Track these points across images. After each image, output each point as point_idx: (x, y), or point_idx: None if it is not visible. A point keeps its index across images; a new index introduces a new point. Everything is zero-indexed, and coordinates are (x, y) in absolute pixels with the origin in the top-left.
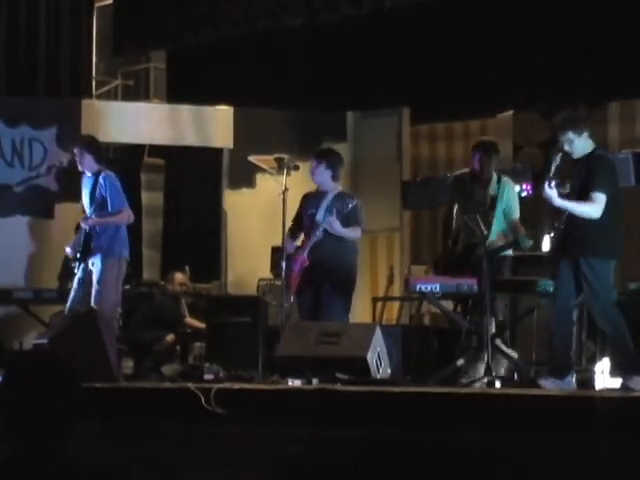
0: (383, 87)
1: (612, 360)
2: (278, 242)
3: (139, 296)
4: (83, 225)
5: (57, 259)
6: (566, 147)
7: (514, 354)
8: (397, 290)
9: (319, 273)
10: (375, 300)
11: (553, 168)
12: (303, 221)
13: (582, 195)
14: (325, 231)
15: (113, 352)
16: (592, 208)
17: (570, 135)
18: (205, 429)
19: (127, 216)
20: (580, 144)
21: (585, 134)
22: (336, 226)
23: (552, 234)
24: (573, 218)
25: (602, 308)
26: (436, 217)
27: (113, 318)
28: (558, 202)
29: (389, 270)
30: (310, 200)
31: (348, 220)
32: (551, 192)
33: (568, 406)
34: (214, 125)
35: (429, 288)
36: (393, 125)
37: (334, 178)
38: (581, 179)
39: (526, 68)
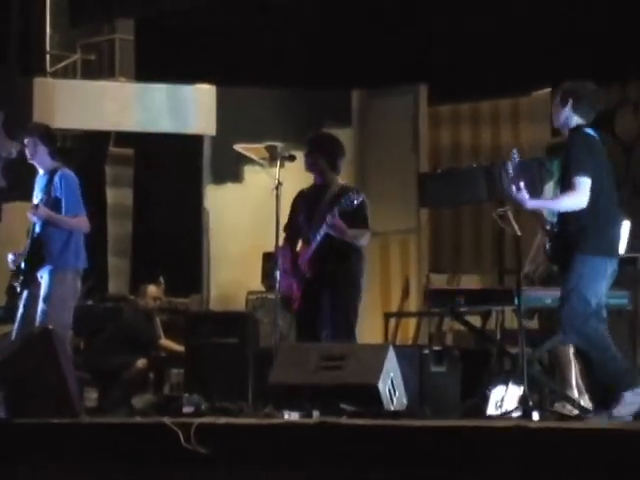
0: (395, 60)
1: (593, 391)
2: (271, 247)
3: (104, 313)
4: (32, 217)
5: (3, 269)
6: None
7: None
8: (413, 304)
9: (319, 285)
10: (387, 316)
11: (511, 166)
12: (299, 227)
13: (565, 184)
14: (326, 235)
15: (73, 381)
16: (574, 197)
17: (559, 99)
18: (184, 472)
19: (84, 223)
20: (564, 114)
21: (580, 107)
22: (340, 228)
23: (548, 243)
24: (563, 216)
25: (570, 317)
26: (460, 217)
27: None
28: (531, 204)
29: (404, 280)
30: (305, 199)
31: (354, 221)
32: (519, 195)
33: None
34: (193, 108)
35: (453, 300)
36: (408, 106)
37: (334, 170)
38: (562, 165)
39: (567, 37)
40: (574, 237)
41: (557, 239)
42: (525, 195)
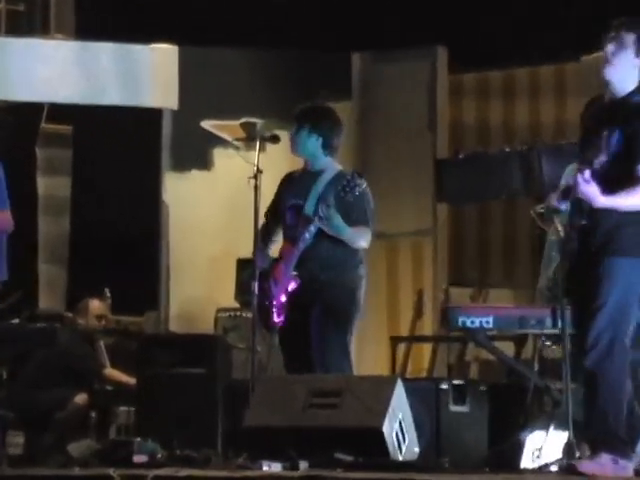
0: (407, 15)
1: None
2: (247, 252)
3: (33, 335)
4: None
5: None
6: (604, 69)
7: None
8: (428, 325)
9: (307, 297)
10: (396, 340)
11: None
12: (283, 216)
13: (618, 166)
14: (318, 231)
15: None
16: None
17: (613, 46)
18: None
19: (7, 221)
20: (624, 70)
21: None
22: (335, 222)
23: (568, 237)
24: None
25: (608, 339)
26: (488, 215)
27: None
28: (603, 202)
29: (417, 295)
30: (293, 184)
31: (352, 215)
32: (589, 188)
33: None
34: (148, 74)
35: (478, 322)
36: (423, 73)
37: (328, 151)
38: (615, 138)
39: None
40: (616, 236)
41: (587, 239)
42: (595, 189)
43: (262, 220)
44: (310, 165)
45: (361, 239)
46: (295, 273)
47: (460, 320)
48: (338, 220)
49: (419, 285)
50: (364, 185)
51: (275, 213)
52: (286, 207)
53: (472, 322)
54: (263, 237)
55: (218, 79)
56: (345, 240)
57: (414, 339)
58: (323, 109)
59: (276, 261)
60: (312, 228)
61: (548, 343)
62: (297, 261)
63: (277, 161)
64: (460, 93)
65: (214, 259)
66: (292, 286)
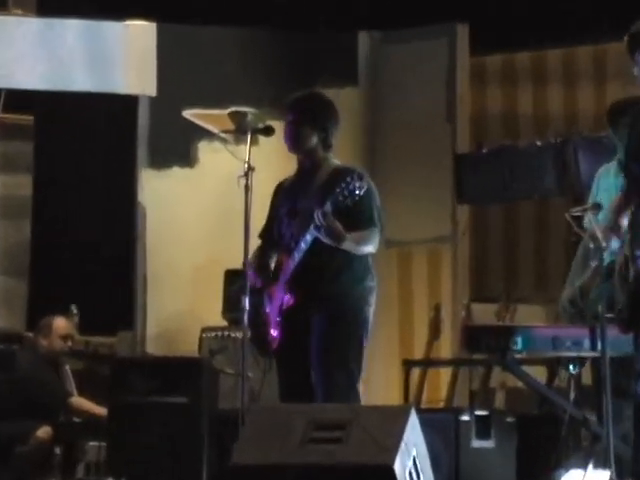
0: None
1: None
2: (236, 262)
3: None
4: None
5: None
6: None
7: None
8: (447, 346)
9: (306, 315)
10: (409, 364)
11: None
12: (280, 231)
13: None
14: (314, 241)
15: None
16: None
17: None
18: None
19: None
20: None
21: None
22: (333, 227)
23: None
24: None
25: None
26: (516, 219)
27: None
28: None
29: (434, 311)
30: (287, 190)
31: (354, 219)
32: None
33: None
34: (123, 55)
35: (504, 343)
36: (440, 55)
37: (325, 145)
38: None
39: None
40: None
41: None
42: None
43: (258, 236)
44: (305, 163)
45: (367, 244)
46: (290, 287)
47: (484, 340)
48: (337, 228)
49: (436, 300)
50: (365, 187)
51: (272, 233)
52: (280, 214)
53: (498, 343)
54: (258, 264)
55: (203, 61)
56: (347, 249)
57: (430, 362)
58: (323, 99)
59: (271, 275)
60: (308, 237)
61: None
62: (293, 273)
63: (271, 157)
64: (483, 78)
65: (198, 270)
66: (287, 302)
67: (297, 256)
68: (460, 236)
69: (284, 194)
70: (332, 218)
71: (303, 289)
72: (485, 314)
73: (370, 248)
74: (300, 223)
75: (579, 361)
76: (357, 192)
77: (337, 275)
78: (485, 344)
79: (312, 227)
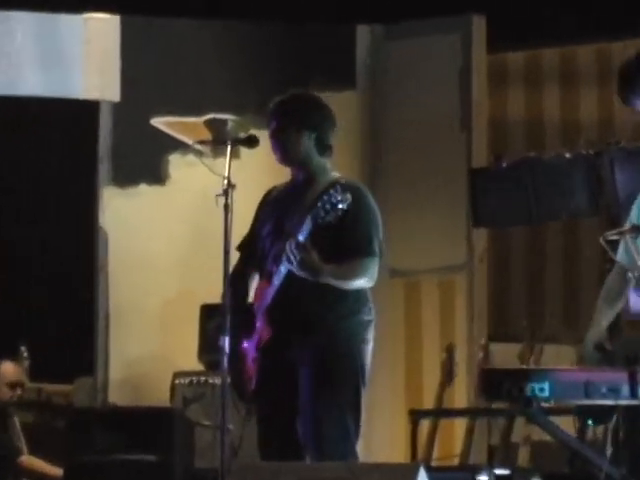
0: None
1: None
2: (214, 295)
3: None
4: None
5: None
6: None
7: None
8: (461, 393)
9: (291, 354)
10: (417, 414)
11: None
12: (263, 249)
13: None
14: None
15: None
16: None
17: None
18: None
19: None
20: None
21: None
22: (307, 261)
23: None
24: None
25: None
26: (542, 244)
27: None
28: None
29: (446, 351)
30: (274, 202)
31: (341, 242)
32: None
33: None
34: (81, 53)
35: (529, 390)
36: (453, 52)
37: (322, 150)
38: None
39: None
40: None
41: None
42: None
43: (235, 256)
44: (300, 173)
45: (357, 277)
46: (270, 318)
47: (505, 386)
48: (312, 262)
49: (449, 339)
50: (348, 200)
51: (253, 247)
52: (263, 231)
53: (521, 389)
54: (236, 281)
55: (175, 60)
56: (332, 283)
57: (442, 413)
58: (309, 97)
59: (251, 306)
60: (282, 268)
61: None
62: (273, 302)
63: (255, 172)
64: (504, 78)
65: (170, 305)
66: (265, 336)
67: (277, 282)
68: (477, 264)
69: (272, 206)
70: (307, 249)
71: (284, 321)
72: (506, 356)
73: (362, 282)
74: (283, 245)
75: (616, 411)
76: (340, 206)
77: (326, 306)
78: (506, 391)
79: (284, 258)
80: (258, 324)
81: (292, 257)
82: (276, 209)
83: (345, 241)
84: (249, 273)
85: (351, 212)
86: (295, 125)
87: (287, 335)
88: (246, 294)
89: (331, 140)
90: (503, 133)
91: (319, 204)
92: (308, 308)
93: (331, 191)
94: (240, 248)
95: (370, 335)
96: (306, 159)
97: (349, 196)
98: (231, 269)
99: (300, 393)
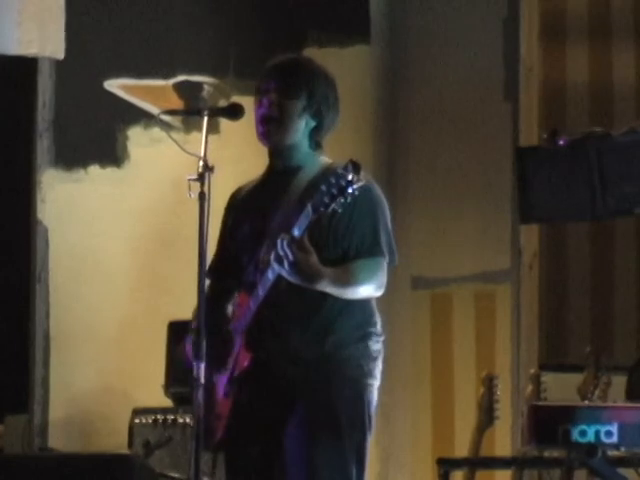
0: None
1: None
2: (184, 310)
3: None
4: None
5: None
6: None
7: None
8: (505, 437)
9: (275, 390)
10: (446, 465)
11: None
12: (238, 259)
13: None
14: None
15: None
16: None
17: None
18: None
19: None
20: None
21: None
22: (303, 262)
23: None
24: None
25: None
26: (610, 244)
27: None
28: None
29: (484, 383)
30: (252, 200)
31: (344, 239)
32: None
33: None
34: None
35: (593, 434)
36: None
37: (314, 140)
38: None
39: None
40: None
41: None
42: None
43: (207, 270)
44: (281, 161)
45: (365, 283)
46: (249, 340)
47: (561, 429)
48: (309, 262)
49: (488, 367)
50: (362, 183)
51: (226, 264)
52: (239, 236)
53: (583, 433)
54: (212, 303)
55: (135, 9)
56: (332, 292)
57: (479, 462)
58: (324, 73)
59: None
60: (269, 274)
61: None
62: (254, 320)
63: (239, 150)
64: (561, 32)
65: (128, 322)
66: (243, 364)
67: (261, 294)
68: (525, 271)
69: (244, 206)
70: (305, 246)
71: (267, 346)
72: (563, 389)
73: (368, 289)
74: (269, 249)
75: None
76: (350, 190)
77: (324, 324)
78: (562, 435)
79: (272, 259)
80: (235, 349)
81: (285, 256)
82: (252, 207)
83: (346, 238)
84: (226, 298)
85: (352, 204)
86: (303, 100)
87: (271, 364)
88: (222, 315)
89: (328, 133)
90: (560, 102)
91: (323, 187)
92: (299, 330)
93: (339, 170)
94: (211, 270)
95: (378, 368)
96: (296, 144)
97: (363, 179)
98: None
99: (288, 444)
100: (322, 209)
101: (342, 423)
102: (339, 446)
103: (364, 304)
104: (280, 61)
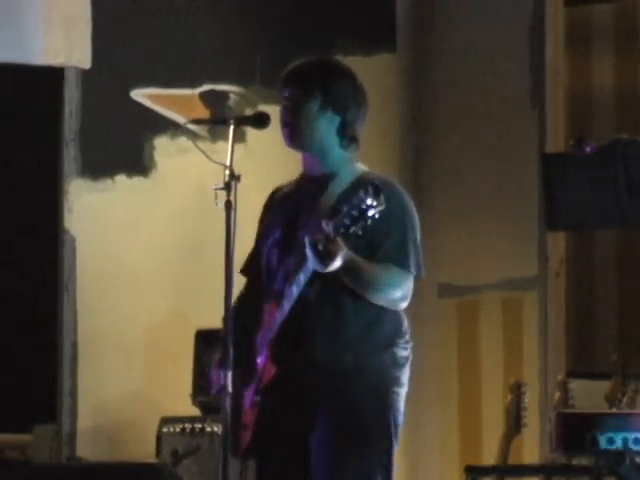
0: None
1: None
2: (212, 319)
3: None
4: None
5: None
6: None
7: None
8: (533, 445)
9: (301, 399)
10: (474, 473)
11: None
12: (270, 265)
13: None
14: (313, 281)
15: None
16: None
17: None
18: None
19: None
20: None
21: None
22: (333, 252)
23: None
24: None
25: None
26: (638, 253)
27: None
28: None
29: (511, 390)
30: (285, 204)
31: (371, 253)
32: None
33: None
34: (43, 10)
35: (621, 441)
36: (521, 3)
37: (347, 140)
38: None
39: None
40: None
41: None
42: None
43: (240, 272)
44: (314, 164)
45: (394, 287)
46: (275, 351)
47: (589, 437)
48: (338, 253)
49: (516, 374)
50: (381, 207)
51: (256, 260)
52: (269, 241)
53: (610, 440)
54: (241, 311)
55: (161, 18)
56: (370, 299)
57: (507, 470)
58: (341, 67)
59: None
60: (301, 277)
61: None
62: (279, 333)
63: (265, 159)
64: (588, 37)
65: (155, 331)
66: (268, 373)
67: (287, 305)
68: (552, 278)
69: (279, 210)
70: (336, 241)
71: (296, 358)
72: (590, 396)
73: (396, 294)
74: (296, 257)
75: None
76: (370, 213)
77: (351, 337)
78: (591, 442)
79: (307, 254)
80: (260, 360)
81: (312, 249)
82: (285, 212)
83: (374, 253)
84: (259, 301)
85: (382, 217)
86: (318, 100)
87: (296, 375)
88: (254, 325)
89: (359, 131)
90: (586, 109)
91: (344, 208)
92: (330, 342)
93: (360, 193)
94: (244, 271)
95: (406, 375)
96: (324, 146)
97: (382, 203)
98: (235, 290)
99: (315, 453)
100: (342, 231)
101: (368, 431)
102: (365, 454)
103: (393, 316)
104: (293, 65)
